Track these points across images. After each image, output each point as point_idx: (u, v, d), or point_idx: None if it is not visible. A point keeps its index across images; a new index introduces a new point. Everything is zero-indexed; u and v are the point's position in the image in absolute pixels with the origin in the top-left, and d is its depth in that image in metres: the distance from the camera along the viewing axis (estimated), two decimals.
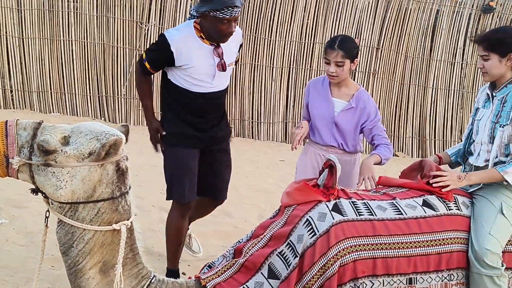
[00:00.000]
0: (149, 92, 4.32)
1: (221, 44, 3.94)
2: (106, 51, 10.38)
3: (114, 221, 2.75)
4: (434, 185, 3.26)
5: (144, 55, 4.08)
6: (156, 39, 4.08)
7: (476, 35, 3.51)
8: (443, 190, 3.24)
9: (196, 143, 4.14)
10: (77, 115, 10.30)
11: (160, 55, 3.97)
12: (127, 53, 10.46)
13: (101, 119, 10.34)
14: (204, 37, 3.91)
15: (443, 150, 10.85)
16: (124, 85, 10.48)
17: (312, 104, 4.04)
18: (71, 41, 10.21)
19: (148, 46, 4.20)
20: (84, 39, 10.26)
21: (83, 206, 2.69)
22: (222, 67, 3.96)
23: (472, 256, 3.10)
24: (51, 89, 10.27)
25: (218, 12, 3.71)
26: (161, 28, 10.46)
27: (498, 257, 3.09)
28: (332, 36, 10.54)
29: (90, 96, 10.42)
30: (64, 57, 10.25)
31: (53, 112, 10.30)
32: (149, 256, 4.62)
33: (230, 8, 3.71)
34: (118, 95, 10.49)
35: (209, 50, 3.93)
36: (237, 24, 3.94)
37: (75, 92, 10.34)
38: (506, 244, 3.20)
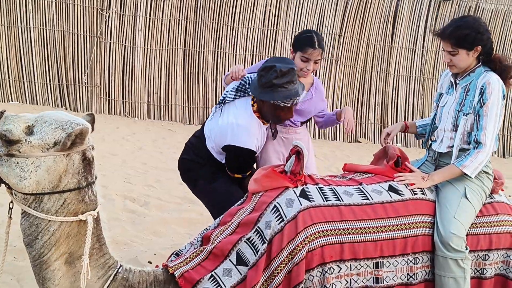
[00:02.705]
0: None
1: None
2: (66, 38, 10.20)
3: (80, 212, 2.70)
4: (398, 182, 3.29)
5: (239, 174, 3.81)
6: (240, 155, 3.69)
7: (438, 28, 3.51)
8: (408, 187, 3.29)
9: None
10: (37, 104, 10.12)
11: (251, 164, 3.85)
12: (87, 40, 10.30)
13: (62, 107, 10.18)
14: (264, 121, 3.81)
15: (405, 136, 11.03)
16: (85, 73, 10.32)
17: None
18: (29, 28, 9.99)
19: (235, 164, 3.80)
20: (43, 26, 10.06)
21: (48, 197, 2.64)
22: (273, 135, 3.96)
23: (437, 239, 3.15)
24: (9, 77, 10.04)
25: (281, 102, 3.54)
26: (122, 15, 10.31)
27: (462, 241, 3.15)
28: (295, 24, 10.59)
29: (50, 84, 10.23)
30: (22, 45, 10.03)
31: (12, 101, 10.09)
32: (115, 245, 4.58)
33: (292, 98, 3.55)
34: (79, 83, 10.33)
35: (267, 127, 3.90)
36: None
37: (34, 80, 10.14)
38: (470, 227, 3.26)
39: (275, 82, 3.50)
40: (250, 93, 3.73)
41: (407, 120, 11.07)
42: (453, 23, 3.40)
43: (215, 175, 3.88)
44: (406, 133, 3.87)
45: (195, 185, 3.99)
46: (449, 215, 3.17)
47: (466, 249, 3.16)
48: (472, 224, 3.28)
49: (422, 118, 10.97)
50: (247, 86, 3.77)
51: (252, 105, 3.72)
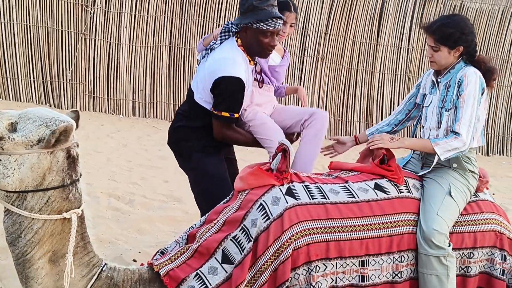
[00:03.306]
0: (243, 135, 3.86)
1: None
2: (50, 35, 10.11)
3: (64, 210, 2.68)
4: (370, 147, 3.40)
5: (226, 113, 3.66)
6: (228, 86, 3.60)
7: (425, 22, 3.55)
8: (372, 147, 3.41)
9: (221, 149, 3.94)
10: (21, 101, 10.02)
11: (241, 95, 3.69)
12: (72, 37, 10.21)
13: (46, 104, 10.09)
14: (250, 59, 3.77)
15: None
16: (69, 69, 10.24)
17: None
18: (13, 24, 9.89)
19: (224, 99, 3.65)
20: (26, 22, 9.96)
21: (32, 195, 2.61)
22: (259, 84, 3.97)
23: (420, 236, 3.17)
24: None
25: (262, 24, 3.57)
26: (107, 11, 10.25)
27: (445, 237, 3.17)
28: None
29: (34, 81, 10.14)
30: (6, 41, 9.92)
31: None
32: (99, 243, 4.55)
33: (274, 20, 3.58)
34: (63, 80, 10.25)
35: (252, 69, 3.87)
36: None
37: (18, 77, 10.04)
38: (455, 226, 3.29)
39: (256, 4, 3.56)
40: (233, 31, 3.76)
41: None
42: (440, 19, 3.44)
43: (206, 148, 3.83)
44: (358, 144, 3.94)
45: (189, 158, 3.91)
46: (432, 212, 3.19)
47: (449, 245, 3.17)
48: (457, 222, 3.30)
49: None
50: (230, 26, 3.77)
51: (236, 41, 3.74)
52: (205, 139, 3.83)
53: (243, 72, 3.62)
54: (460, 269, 3.29)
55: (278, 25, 3.62)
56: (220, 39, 3.76)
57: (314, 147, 3.87)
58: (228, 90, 3.62)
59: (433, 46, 3.37)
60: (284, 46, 4.30)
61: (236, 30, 3.73)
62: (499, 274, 3.36)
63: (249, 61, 3.75)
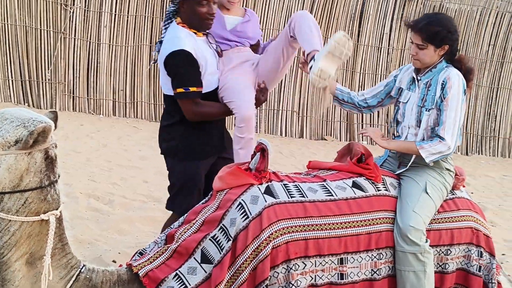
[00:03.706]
0: (216, 104, 3.78)
1: (210, 31, 3.81)
2: (29, 34, 10.02)
3: (42, 211, 2.65)
4: (360, 134, 3.50)
5: (181, 88, 3.59)
6: (176, 61, 3.57)
7: (408, 20, 3.57)
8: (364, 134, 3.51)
9: (209, 151, 3.84)
10: None
11: (192, 68, 3.60)
12: (51, 36, 10.14)
13: (24, 104, 10.00)
14: (195, 31, 3.70)
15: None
16: (49, 69, 10.16)
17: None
18: None
19: (175, 76, 3.61)
20: (4, 21, 9.86)
21: (9, 196, 2.58)
22: (220, 53, 3.83)
23: (396, 233, 3.20)
24: None
25: None
26: (87, 10, 10.18)
27: (421, 233, 3.20)
28: (261, 22, 10.59)
29: (12, 81, 10.04)
30: None
31: None
32: (78, 244, 4.53)
33: None
34: (42, 79, 10.17)
35: (205, 41, 3.77)
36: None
37: None
38: (432, 223, 3.32)
39: None
40: (173, 14, 3.76)
41: (374, 118, 11.19)
42: (427, 17, 3.46)
43: (179, 152, 3.78)
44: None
45: (165, 159, 3.89)
46: (409, 209, 3.22)
47: (426, 242, 3.20)
48: (434, 219, 3.33)
49: (387, 116, 11.11)
50: (169, 12, 3.78)
51: (177, 21, 3.73)
52: (181, 138, 3.77)
53: (188, 45, 3.58)
54: (438, 266, 3.33)
55: None
56: (165, 28, 3.77)
57: (310, 27, 3.73)
58: (175, 65, 3.59)
59: (420, 44, 3.37)
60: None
61: (175, 10, 3.72)
62: (476, 270, 3.40)
63: (195, 33, 3.70)
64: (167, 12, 3.79)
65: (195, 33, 3.70)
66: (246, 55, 3.96)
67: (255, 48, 4.08)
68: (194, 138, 3.74)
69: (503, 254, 5.31)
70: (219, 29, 3.86)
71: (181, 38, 3.62)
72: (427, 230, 3.27)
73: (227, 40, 3.88)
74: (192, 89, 3.60)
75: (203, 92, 3.66)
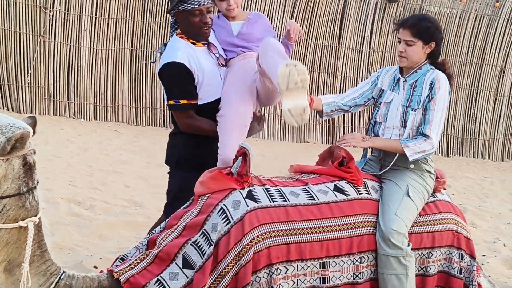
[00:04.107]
0: (209, 122, 3.67)
1: (212, 41, 3.75)
2: (7, 37, 9.92)
3: (20, 218, 2.61)
4: (340, 144, 3.38)
5: (172, 100, 3.62)
6: (168, 73, 3.61)
7: (400, 19, 3.59)
8: (345, 145, 3.40)
9: (209, 163, 3.67)
10: None
11: (182, 81, 3.60)
12: (30, 40, 10.05)
13: (3, 109, 9.90)
14: (194, 42, 3.69)
15: None
16: (28, 73, 10.07)
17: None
18: None
19: (167, 88, 3.69)
20: None
21: None
22: (222, 63, 3.76)
23: (379, 237, 3.20)
24: None
25: (186, 5, 3.55)
26: (67, 14, 10.11)
27: (403, 237, 3.21)
28: None
29: None
30: None
31: None
32: (59, 250, 4.48)
33: None
34: (22, 83, 10.07)
35: (205, 51, 3.73)
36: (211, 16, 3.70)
37: None
38: (414, 226, 3.33)
39: None
40: (174, 27, 3.78)
41: (355, 120, 11.23)
42: (414, 16, 3.56)
43: (179, 162, 3.82)
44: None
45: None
46: (391, 212, 3.23)
47: (408, 245, 3.22)
48: (415, 222, 3.34)
49: (369, 119, 11.15)
50: (172, 25, 3.81)
51: (176, 33, 3.74)
52: (183, 148, 3.79)
53: (182, 56, 3.59)
54: (419, 268, 3.34)
55: (203, 2, 3.56)
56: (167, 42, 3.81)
57: (273, 58, 3.41)
58: (168, 77, 3.64)
59: (409, 40, 3.39)
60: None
61: (175, 21, 3.74)
62: (457, 273, 3.42)
63: (194, 44, 3.68)
64: (170, 23, 3.82)
65: (194, 43, 3.69)
66: (250, 63, 3.78)
67: None
68: (195, 149, 3.72)
69: (483, 255, 5.35)
70: (227, 36, 3.83)
71: (175, 49, 3.64)
72: (408, 233, 3.28)
73: (235, 45, 3.81)
74: (182, 101, 3.62)
75: (204, 102, 3.67)
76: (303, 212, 3.11)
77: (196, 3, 3.56)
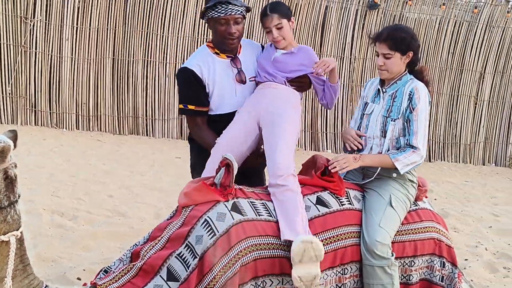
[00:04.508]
0: (215, 137, 3.65)
1: (240, 57, 3.78)
2: None
3: (2, 232, 2.60)
4: (332, 170, 3.33)
5: (181, 104, 3.73)
6: (179, 77, 3.74)
7: (371, 33, 3.61)
8: (338, 171, 3.35)
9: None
10: None
11: (191, 87, 3.69)
12: (11, 50, 9.99)
13: None
14: (218, 52, 3.74)
15: (335, 143, 11.22)
16: (9, 83, 10.00)
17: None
18: None
19: (179, 91, 3.84)
20: None
21: None
22: (241, 79, 3.75)
23: (363, 248, 3.21)
24: None
25: (214, 12, 3.58)
26: (48, 23, 10.07)
27: (387, 248, 3.22)
28: None
29: None
30: None
31: None
32: (41, 262, 4.45)
33: (223, 5, 3.57)
34: (3, 94, 10.00)
35: (227, 63, 3.75)
36: (242, 32, 3.73)
37: None
38: (396, 235, 3.35)
39: None
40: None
41: (337, 126, 11.28)
42: (388, 28, 3.52)
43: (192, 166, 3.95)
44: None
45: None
46: (374, 223, 3.23)
47: (392, 255, 3.23)
48: (398, 231, 3.36)
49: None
50: None
51: (208, 46, 3.80)
52: (197, 152, 3.86)
53: (195, 63, 3.67)
54: (402, 277, 3.36)
55: (230, 11, 3.58)
56: None
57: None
58: (179, 81, 3.78)
59: (386, 54, 3.42)
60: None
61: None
62: (439, 281, 3.45)
63: (218, 54, 3.73)
64: None
65: (218, 53, 3.73)
66: (265, 96, 3.69)
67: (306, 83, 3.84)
68: (207, 155, 3.66)
69: (465, 259, 5.39)
70: (265, 59, 3.81)
71: (193, 56, 3.77)
72: (391, 242, 3.29)
73: (265, 71, 3.75)
74: (190, 107, 3.70)
75: (213, 113, 3.74)
76: None
77: (223, 12, 3.58)
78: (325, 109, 11.24)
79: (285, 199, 3.18)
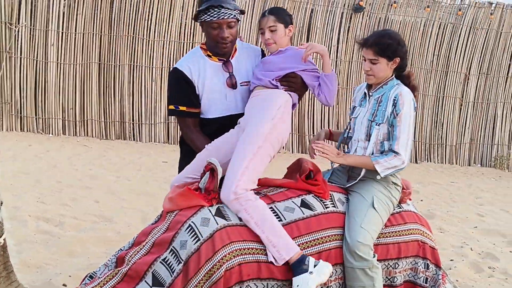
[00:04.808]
0: (205, 140, 3.62)
1: (233, 61, 3.72)
2: None
3: None
4: (314, 148, 3.35)
5: (172, 105, 3.70)
6: (170, 77, 3.74)
7: (358, 38, 3.64)
8: (318, 155, 3.37)
9: None
10: None
11: (182, 88, 3.66)
12: None
13: None
14: (211, 54, 3.69)
15: None
16: None
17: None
18: None
19: (168, 92, 3.83)
20: None
21: None
22: (232, 83, 3.69)
23: (345, 249, 3.23)
24: None
25: (206, 16, 3.53)
26: (33, 29, 10.03)
27: (369, 249, 3.23)
28: None
29: None
30: None
31: None
32: (27, 269, 4.43)
33: (216, 9, 3.50)
34: None
35: (218, 67, 3.69)
36: (238, 35, 3.71)
37: None
38: (380, 237, 3.37)
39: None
40: None
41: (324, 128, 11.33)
42: (375, 34, 3.53)
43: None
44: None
45: None
46: (356, 225, 3.25)
47: (374, 256, 3.24)
48: (381, 234, 3.38)
49: (337, 127, 11.26)
50: None
51: (201, 47, 3.76)
52: (182, 156, 3.87)
53: (185, 64, 3.65)
54: (387, 279, 3.38)
55: (223, 15, 3.51)
56: None
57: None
58: (170, 82, 3.76)
59: (372, 59, 3.44)
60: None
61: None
62: (423, 282, 3.47)
63: (210, 57, 3.69)
64: None
65: (210, 56, 3.69)
66: (248, 106, 3.62)
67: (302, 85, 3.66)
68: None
69: (451, 260, 5.43)
70: (257, 65, 3.75)
71: (185, 57, 3.76)
72: (375, 244, 3.31)
73: (255, 77, 3.65)
74: (181, 108, 3.68)
75: (204, 117, 3.72)
76: None
77: (215, 16, 3.53)
78: (312, 112, 11.28)
79: (249, 219, 3.11)
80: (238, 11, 3.61)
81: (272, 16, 3.60)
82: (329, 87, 3.57)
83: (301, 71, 3.61)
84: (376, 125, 3.45)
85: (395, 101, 3.41)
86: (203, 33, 3.70)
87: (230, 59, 3.72)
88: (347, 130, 3.71)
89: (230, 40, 3.61)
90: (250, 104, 3.57)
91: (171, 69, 3.76)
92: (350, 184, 3.51)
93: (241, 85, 3.72)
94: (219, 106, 3.71)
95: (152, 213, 6.18)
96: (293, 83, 3.61)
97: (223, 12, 3.51)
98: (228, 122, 3.67)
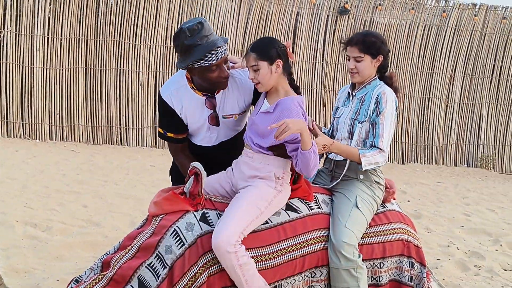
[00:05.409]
0: (189, 160, 3.51)
1: (218, 96, 3.47)
2: None
3: None
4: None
5: (161, 129, 3.64)
6: (158, 103, 3.59)
7: (342, 38, 3.69)
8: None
9: None
10: None
11: (168, 116, 3.53)
12: None
13: None
14: (195, 87, 3.45)
15: None
16: None
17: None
18: None
19: (158, 116, 3.70)
20: None
21: None
22: (214, 122, 3.50)
23: (330, 250, 3.24)
24: None
25: (203, 62, 3.20)
26: (18, 34, 10.01)
27: (354, 248, 3.25)
28: None
29: None
30: None
31: None
32: (14, 274, 4.42)
33: (213, 52, 3.20)
34: None
35: (202, 101, 3.46)
36: (228, 66, 3.38)
37: None
38: (364, 237, 3.40)
39: (188, 43, 3.19)
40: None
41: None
42: (359, 33, 3.58)
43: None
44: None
45: None
46: (340, 225, 3.27)
47: (359, 257, 3.26)
48: (366, 233, 3.41)
49: (325, 125, 11.31)
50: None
51: (187, 77, 3.49)
52: (172, 171, 3.86)
53: (169, 95, 3.48)
54: (372, 279, 3.41)
55: (221, 54, 3.23)
56: None
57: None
58: (158, 106, 3.67)
59: (357, 57, 3.49)
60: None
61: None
62: (408, 281, 3.50)
63: (194, 89, 3.46)
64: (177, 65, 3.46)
65: (194, 88, 3.45)
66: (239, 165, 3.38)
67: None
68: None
69: (438, 259, 5.47)
70: (252, 113, 3.43)
71: (169, 82, 3.52)
72: (359, 244, 3.33)
73: (246, 134, 3.37)
74: (169, 134, 3.62)
75: (195, 142, 3.69)
76: (257, 237, 3.10)
77: (214, 59, 3.22)
78: None
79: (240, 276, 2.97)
80: (225, 42, 3.33)
81: (253, 54, 3.17)
82: (306, 164, 3.06)
83: (284, 142, 3.18)
84: (358, 123, 3.50)
85: (378, 100, 3.46)
86: (194, 76, 3.41)
87: (215, 94, 3.48)
88: (330, 130, 3.74)
89: (228, 76, 3.37)
90: (237, 169, 3.33)
91: (157, 73, 3.74)
92: (333, 184, 3.55)
93: (223, 118, 3.54)
94: (203, 137, 3.66)
95: (140, 216, 6.18)
96: (284, 151, 3.23)
97: (220, 52, 3.24)
98: (216, 149, 3.68)
